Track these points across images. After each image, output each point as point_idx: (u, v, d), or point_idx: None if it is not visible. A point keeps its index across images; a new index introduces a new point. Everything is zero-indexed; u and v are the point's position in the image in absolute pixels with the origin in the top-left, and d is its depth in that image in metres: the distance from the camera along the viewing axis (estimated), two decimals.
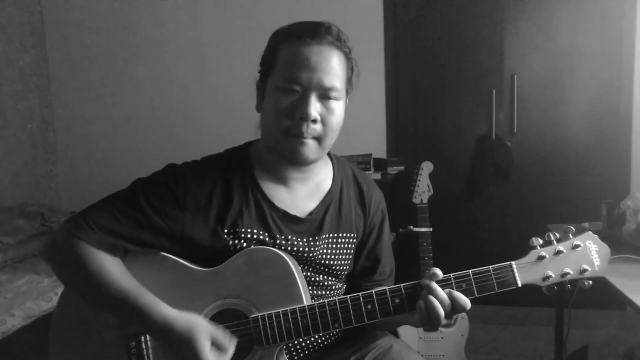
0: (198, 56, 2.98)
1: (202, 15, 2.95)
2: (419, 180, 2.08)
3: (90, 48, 3.09)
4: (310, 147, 0.96)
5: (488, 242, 2.84)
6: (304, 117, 0.94)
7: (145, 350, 0.93)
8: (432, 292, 0.89)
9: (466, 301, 0.90)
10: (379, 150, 2.82)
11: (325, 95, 0.95)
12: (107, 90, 3.10)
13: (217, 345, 0.89)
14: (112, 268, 0.92)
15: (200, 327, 0.89)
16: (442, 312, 0.88)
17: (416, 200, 2.07)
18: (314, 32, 0.94)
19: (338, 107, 0.98)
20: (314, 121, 0.94)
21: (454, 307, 0.90)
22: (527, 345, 2.52)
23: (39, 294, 1.95)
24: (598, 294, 1.44)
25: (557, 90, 2.73)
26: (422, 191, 2.07)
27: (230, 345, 0.90)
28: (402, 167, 2.65)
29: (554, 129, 2.75)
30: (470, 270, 0.92)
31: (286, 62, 0.94)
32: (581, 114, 2.72)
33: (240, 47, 2.84)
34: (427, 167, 2.09)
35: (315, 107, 0.94)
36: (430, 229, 2.03)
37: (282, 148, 0.97)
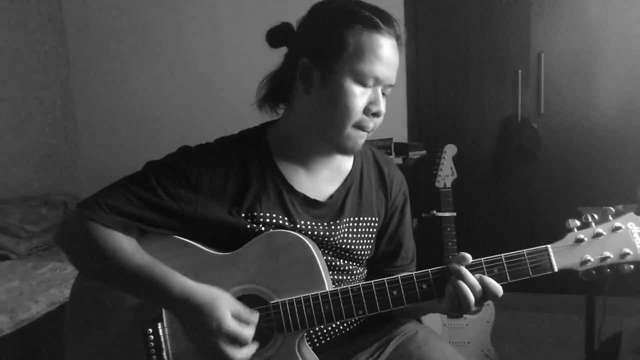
0: (215, 43, 2.96)
1: (219, 3, 2.92)
2: (442, 163, 2.03)
3: (109, 38, 3.09)
4: (364, 140, 0.95)
5: (514, 228, 2.77)
6: (378, 115, 0.92)
7: (162, 337, 0.91)
8: (462, 277, 0.85)
9: (498, 288, 0.85)
10: (400, 134, 2.75)
11: (384, 91, 0.93)
12: (127, 80, 3.11)
13: (239, 319, 0.86)
14: (126, 246, 0.90)
15: (223, 297, 0.86)
16: (472, 298, 0.84)
17: (439, 185, 2.02)
18: (390, 22, 0.90)
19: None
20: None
21: (485, 294, 0.85)
22: (556, 333, 2.45)
23: (62, 281, 1.97)
24: (634, 281, 1.38)
25: (586, 69, 2.62)
26: (446, 175, 2.02)
27: (253, 318, 0.87)
28: (424, 152, 2.59)
29: (582, 109, 2.65)
30: (502, 255, 0.87)
31: (367, 54, 0.87)
32: (611, 93, 2.61)
33: (257, 34, 2.79)
34: (450, 150, 2.04)
35: (384, 103, 0.93)
36: (454, 214, 1.98)
37: (341, 139, 0.92)
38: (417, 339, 1.04)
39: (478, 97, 2.76)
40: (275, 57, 1.01)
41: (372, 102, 0.91)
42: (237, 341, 0.85)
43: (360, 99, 0.90)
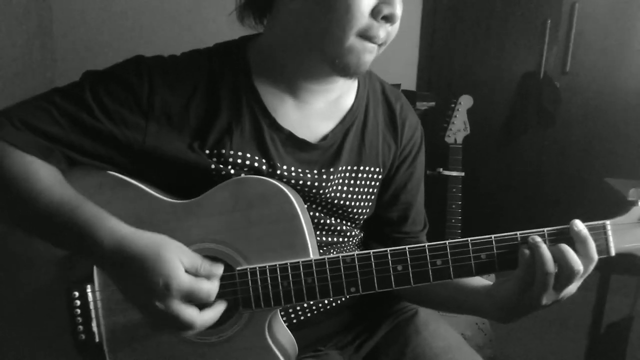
0: None
1: None
2: (455, 116, 1.82)
3: None
4: (373, 56, 0.71)
5: (522, 195, 2.58)
6: (391, 19, 0.68)
7: (92, 303, 0.70)
8: (534, 247, 0.65)
9: (576, 260, 0.64)
10: (409, 81, 2.51)
11: None
12: None
13: (195, 272, 0.64)
14: (42, 175, 0.68)
15: (172, 245, 0.64)
16: (552, 269, 0.64)
17: (449, 140, 1.82)
18: None
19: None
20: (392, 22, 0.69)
21: (562, 270, 0.65)
22: (555, 310, 2.30)
23: None
24: None
25: (622, 25, 2.36)
26: (458, 129, 1.81)
27: (215, 270, 0.66)
28: (432, 103, 2.36)
29: (612, 71, 2.42)
30: (545, 229, 0.67)
31: None
32: None
33: None
34: (465, 101, 1.83)
35: (400, 4, 0.69)
36: (462, 174, 1.79)
37: (341, 52, 0.69)
38: (416, 322, 0.87)
39: (498, 48, 2.50)
40: None
41: (385, 1, 0.67)
42: (195, 300, 0.63)
43: None
